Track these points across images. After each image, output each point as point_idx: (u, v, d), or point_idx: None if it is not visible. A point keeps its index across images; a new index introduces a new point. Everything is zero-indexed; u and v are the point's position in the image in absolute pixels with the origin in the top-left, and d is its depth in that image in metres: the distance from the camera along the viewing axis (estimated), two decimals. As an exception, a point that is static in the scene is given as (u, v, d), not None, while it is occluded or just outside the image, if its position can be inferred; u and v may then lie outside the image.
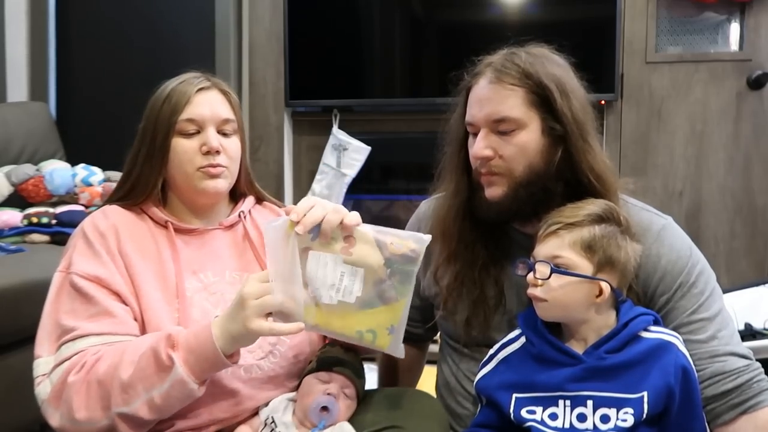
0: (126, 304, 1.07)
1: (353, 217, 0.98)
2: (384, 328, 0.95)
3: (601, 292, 1.06)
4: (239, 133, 1.20)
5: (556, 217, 1.09)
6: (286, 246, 0.94)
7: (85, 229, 1.13)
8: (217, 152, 1.14)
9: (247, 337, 0.96)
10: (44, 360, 1.04)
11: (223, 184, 1.17)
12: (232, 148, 1.17)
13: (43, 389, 1.02)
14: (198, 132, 1.15)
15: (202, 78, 1.18)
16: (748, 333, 1.79)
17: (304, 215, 0.97)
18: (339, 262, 0.93)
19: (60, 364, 1.01)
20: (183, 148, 1.14)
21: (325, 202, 1.00)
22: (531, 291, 1.08)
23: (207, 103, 1.16)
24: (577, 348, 1.08)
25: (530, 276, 1.08)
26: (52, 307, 1.07)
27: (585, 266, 1.06)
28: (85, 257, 1.09)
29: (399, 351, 0.98)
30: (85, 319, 1.04)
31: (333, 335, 0.98)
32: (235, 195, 1.28)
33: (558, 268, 1.05)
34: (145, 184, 1.16)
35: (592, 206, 1.09)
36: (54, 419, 0.99)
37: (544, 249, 1.08)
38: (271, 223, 0.97)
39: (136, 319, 1.07)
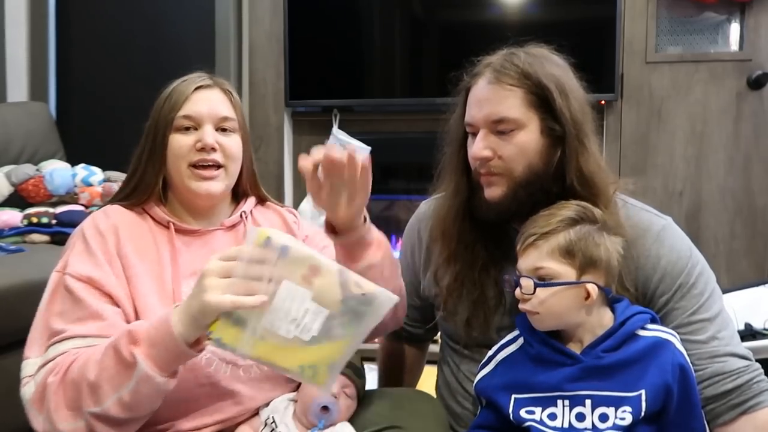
0: (118, 306, 1.06)
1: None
2: (325, 365, 0.92)
3: (588, 294, 1.06)
4: (241, 132, 1.20)
5: (530, 228, 1.09)
6: (262, 260, 0.90)
7: (85, 230, 1.12)
8: (213, 149, 1.14)
9: (207, 314, 0.90)
10: (32, 361, 1.03)
11: (218, 187, 1.16)
12: (231, 145, 1.17)
13: (27, 390, 1.01)
14: (195, 129, 1.15)
15: (205, 77, 1.18)
16: (748, 333, 1.79)
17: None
18: (307, 299, 0.89)
19: (44, 365, 1.00)
20: (178, 143, 1.13)
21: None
22: (522, 306, 1.08)
23: (205, 100, 1.16)
24: (575, 348, 1.08)
25: (517, 292, 1.08)
26: (45, 307, 1.07)
27: (568, 272, 1.06)
28: (80, 258, 1.08)
29: (330, 390, 0.96)
30: (74, 322, 1.03)
31: (270, 367, 0.93)
32: (237, 195, 1.27)
33: (541, 281, 1.06)
34: (147, 184, 1.16)
35: (564, 210, 1.09)
36: (37, 423, 0.97)
37: (525, 262, 1.08)
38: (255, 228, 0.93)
39: (129, 322, 1.06)
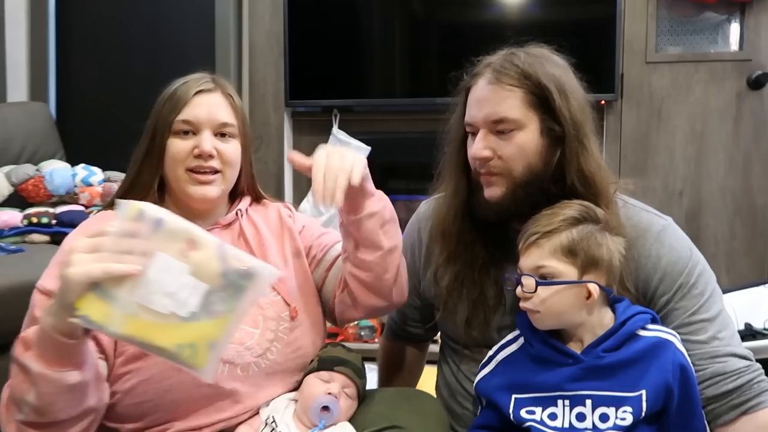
0: None
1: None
2: (205, 344, 0.86)
3: (590, 293, 1.06)
4: (241, 137, 1.19)
5: (533, 227, 1.09)
6: (134, 233, 0.85)
7: (69, 238, 1.11)
8: (210, 156, 1.13)
9: (71, 290, 0.83)
10: None
11: (214, 192, 1.15)
12: (229, 151, 1.16)
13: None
14: (193, 134, 1.14)
15: (207, 80, 1.18)
16: (748, 333, 1.79)
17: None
18: (184, 272, 0.85)
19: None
20: (176, 148, 1.13)
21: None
22: (523, 305, 1.08)
23: (205, 105, 1.15)
24: (575, 348, 1.08)
25: (519, 290, 1.08)
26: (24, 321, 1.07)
27: (569, 271, 1.06)
28: (52, 271, 1.07)
29: (211, 375, 0.89)
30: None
31: (145, 347, 0.87)
32: (234, 194, 1.27)
33: (542, 279, 1.06)
34: (144, 183, 1.16)
35: (567, 210, 1.09)
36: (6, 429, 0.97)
37: (527, 261, 1.08)
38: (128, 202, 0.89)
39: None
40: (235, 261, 0.87)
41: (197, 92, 1.15)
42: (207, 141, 1.13)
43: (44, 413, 0.90)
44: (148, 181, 1.15)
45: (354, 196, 1.07)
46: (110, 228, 0.85)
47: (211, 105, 1.15)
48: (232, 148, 1.17)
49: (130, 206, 0.85)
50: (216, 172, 1.15)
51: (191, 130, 1.14)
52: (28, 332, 0.92)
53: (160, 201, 1.19)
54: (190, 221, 1.18)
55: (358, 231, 1.11)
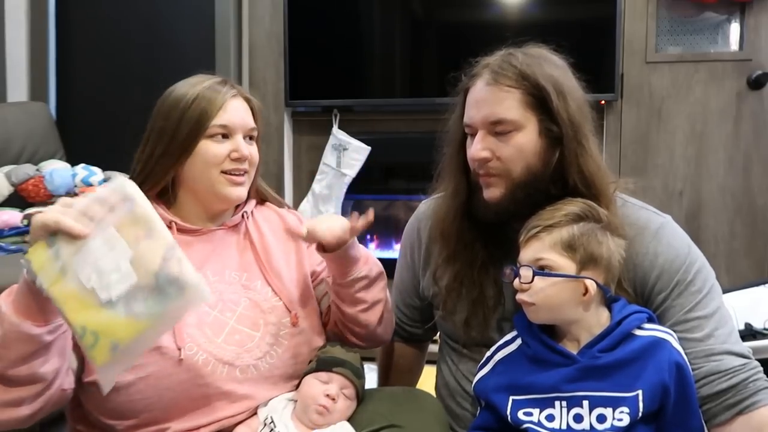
0: None
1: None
2: (108, 340, 0.84)
3: (586, 289, 1.06)
4: (258, 140, 1.23)
5: (535, 221, 1.10)
6: (108, 204, 0.88)
7: None
8: (245, 159, 1.17)
9: (33, 233, 0.89)
10: None
11: (244, 192, 1.20)
12: (254, 154, 1.20)
13: None
14: (226, 137, 1.16)
15: (228, 84, 1.19)
16: (748, 333, 1.79)
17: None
18: (124, 258, 0.85)
19: None
20: (214, 151, 1.15)
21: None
22: (519, 296, 1.09)
23: (238, 110, 1.18)
24: (572, 348, 1.08)
25: (516, 281, 1.08)
26: None
27: (568, 266, 1.06)
28: None
29: (108, 382, 0.88)
30: None
31: (61, 314, 0.88)
32: None
33: (540, 271, 1.06)
34: (154, 181, 1.16)
35: (570, 206, 1.10)
36: None
37: (526, 253, 1.09)
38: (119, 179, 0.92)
39: None
40: (175, 266, 0.86)
41: (231, 97, 1.17)
42: (244, 145, 1.17)
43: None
44: (160, 180, 1.16)
45: (340, 262, 1.14)
46: (92, 191, 0.89)
47: (241, 110, 1.19)
48: (255, 150, 1.21)
49: (117, 180, 0.89)
50: (245, 173, 1.19)
51: (226, 133, 1.16)
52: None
53: (170, 201, 1.19)
54: (199, 222, 1.19)
55: (343, 291, 1.17)
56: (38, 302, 0.91)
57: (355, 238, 1.15)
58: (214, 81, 1.19)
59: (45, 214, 0.88)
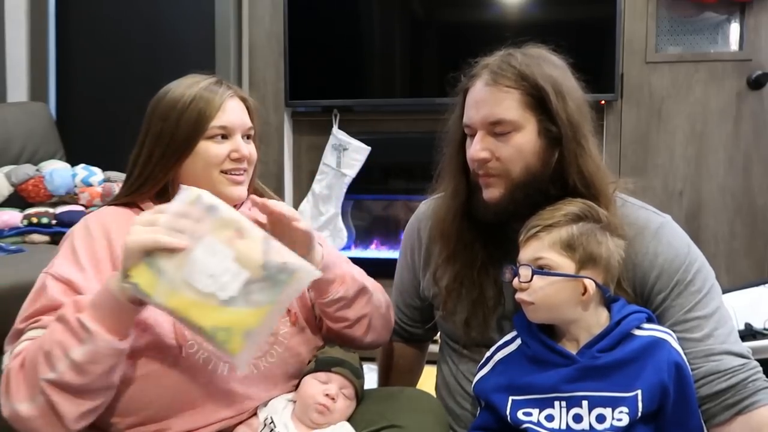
0: None
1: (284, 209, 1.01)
2: (240, 331, 0.91)
3: (585, 289, 1.06)
4: (255, 138, 1.23)
5: (534, 220, 1.10)
6: (189, 215, 0.93)
7: (74, 232, 1.13)
8: (245, 158, 1.18)
9: (129, 256, 0.92)
10: (7, 354, 1.04)
11: (245, 191, 1.20)
12: (252, 153, 1.21)
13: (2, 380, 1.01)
14: (225, 137, 1.16)
15: (224, 85, 1.19)
16: (748, 333, 1.79)
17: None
18: (228, 258, 0.91)
19: (11, 352, 1.02)
20: (214, 152, 1.15)
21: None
22: (518, 296, 1.09)
23: (236, 110, 1.18)
24: (571, 348, 1.08)
25: (515, 281, 1.09)
26: (25, 306, 1.08)
27: (567, 265, 1.07)
28: (66, 260, 1.09)
29: (243, 363, 0.94)
30: (44, 313, 1.04)
31: (184, 323, 0.94)
32: None
33: (539, 270, 1.06)
34: (153, 183, 1.16)
35: (570, 206, 1.10)
36: (5, 410, 0.98)
37: (526, 253, 1.09)
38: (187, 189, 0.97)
39: None
40: (277, 255, 0.92)
41: (227, 98, 1.17)
42: (243, 145, 1.17)
43: (84, 372, 0.94)
44: (159, 181, 1.16)
45: (313, 285, 1.12)
46: (168, 207, 0.94)
47: (238, 110, 1.19)
48: (253, 149, 1.21)
49: (190, 191, 0.94)
50: (244, 172, 1.19)
51: (225, 134, 1.16)
52: (82, 298, 0.98)
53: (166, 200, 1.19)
54: None
55: (324, 309, 1.17)
56: (129, 319, 0.97)
57: (332, 260, 1.13)
58: (210, 81, 1.18)
59: (139, 237, 0.91)
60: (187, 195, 0.93)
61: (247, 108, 1.22)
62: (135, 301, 0.94)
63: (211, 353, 1.09)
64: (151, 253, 0.91)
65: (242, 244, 0.92)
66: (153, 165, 1.15)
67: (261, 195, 1.31)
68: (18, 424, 0.97)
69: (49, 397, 0.94)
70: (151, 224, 0.93)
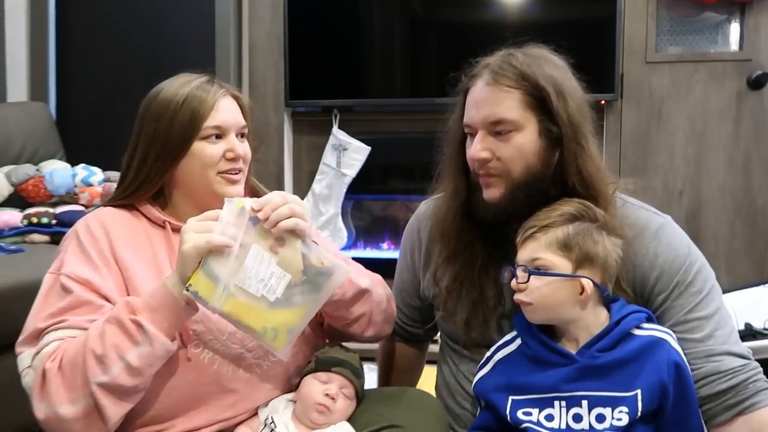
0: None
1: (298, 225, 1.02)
2: (285, 328, 1.02)
3: (583, 289, 1.06)
4: (249, 136, 1.23)
5: (531, 221, 1.10)
6: (236, 225, 1.01)
7: (78, 232, 1.13)
8: (240, 158, 1.17)
9: (188, 261, 0.98)
10: (27, 353, 1.04)
11: (241, 190, 1.19)
12: (247, 151, 1.20)
13: (28, 380, 1.02)
14: (219, 137, 1.16)
15: (216, 83, 1.18)
16: (748, 333, 1.78)
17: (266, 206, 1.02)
18: (273, 263, 1.01)
19: (40, 350, 1.01)
20: (209, 152, 1.14)
21: (289, 197, 1.05)
22: (516, 296, 1.09)
23: (229, 109, 1.17)
24: (571, 348, 1.08)
25: (513, 282, 1.09)
26: (39, 307, 1.07)
27: (564, 265, 1.07)
28: (76, 259, 1.09)
29: (285, 354, 1.04)
30: (70, 312, 1.04)
31: (237, 325, 1.02)
32: None
33: (536, 270, 1.07)
34: (150, 185, 1.16)
35: (566, 206, 1.10)
36: (39, 410, 0.98)
37: (523, 254, 1.09)
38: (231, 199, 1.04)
39: None
40: (315, 260, 1.03)
41: (219, 96, 1.16)
42: (238, 144, 1.17)
43: (138, 374, 0.97)
44: (156, 182, 1.16)
45: None
46: (218, 215, 1.00)
47: (231, 109, 1.18)
48: (248, 147, 1.21)
49: (236, 202, 1.02)
50: (240, 171, 1.18)
51: (219, 134, 1.16)
52: (133, 300, 1.01)
53: (164, 201, 1.19)
54: None
55: (324, 308, 1.15)
56: (183, 321, 1.03)
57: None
58: (202, 80, 1.17)
59: (191, 240, 0.97)
60: (233, 205, 1.01)
61: (240, 106, 1.20)
62: (192, 305, 1.00)
63: (215, 353, 1.09)
64: (204, 260, 0.98)
65: (284, 252, 1.02)
66: (149, 167, 1.15)
67: (256, 193, 1.31)
68: (55, 426, 0.98)
69: (98, 400, 0.95)
70: (203, 230, 0.99)
